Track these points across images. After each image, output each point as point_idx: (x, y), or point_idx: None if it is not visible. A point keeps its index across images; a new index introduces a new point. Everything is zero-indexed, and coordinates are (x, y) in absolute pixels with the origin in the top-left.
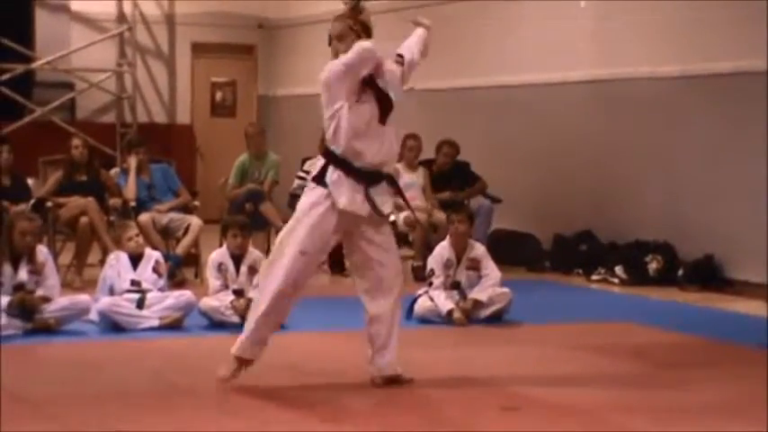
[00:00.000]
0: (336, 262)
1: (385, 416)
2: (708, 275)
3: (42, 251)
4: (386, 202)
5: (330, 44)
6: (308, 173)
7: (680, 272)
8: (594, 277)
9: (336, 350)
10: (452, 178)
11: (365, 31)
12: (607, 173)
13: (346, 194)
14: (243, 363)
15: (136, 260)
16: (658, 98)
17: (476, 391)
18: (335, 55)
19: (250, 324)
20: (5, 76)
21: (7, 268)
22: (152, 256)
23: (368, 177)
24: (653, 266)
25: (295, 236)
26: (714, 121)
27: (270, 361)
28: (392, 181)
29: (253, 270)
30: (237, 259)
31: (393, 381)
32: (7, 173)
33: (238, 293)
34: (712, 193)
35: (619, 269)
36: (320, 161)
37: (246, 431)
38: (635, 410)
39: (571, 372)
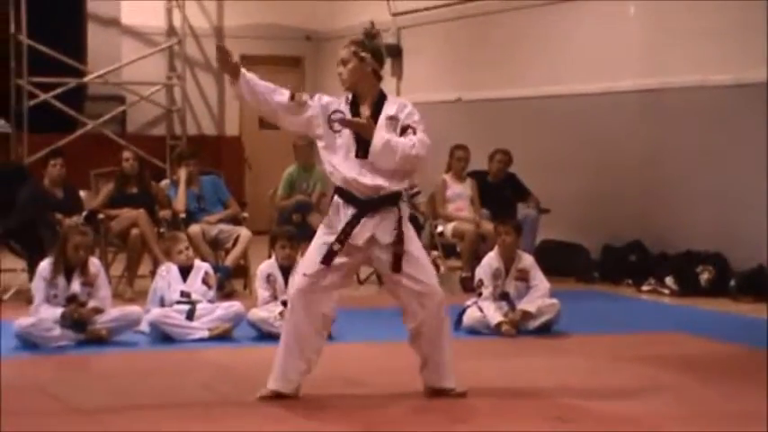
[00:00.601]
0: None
1: (434, 427)
2: (761, 286)
3: (95, 263)
4: (385, 231)
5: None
6: None
7: (732, 282)
8: (645, 288)
9: (384, 361)
10: (504, 188)
11: (375, 57)
12: (656, 182)
13: (341, 223)
14: (278, 395)
15: (186, 272)
16: (709, 107)
17: (525, 402)
18: (340, 77)
19: (278, 357)
20: (58, 90)
21: (61, 280)
22: (201, 267)
23: (364, 205)
24: (704, 277)
25: (302, 260)
26: (766, 129)
27: (317, 371)
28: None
29: None
30: (286, 270)
31: (439, 393)
32: (60, 185)
33: (287, 304)
34: (765, 202)
35: (669, 280)
36: None
37: None
38: (686, 422)
39: (621, 383)
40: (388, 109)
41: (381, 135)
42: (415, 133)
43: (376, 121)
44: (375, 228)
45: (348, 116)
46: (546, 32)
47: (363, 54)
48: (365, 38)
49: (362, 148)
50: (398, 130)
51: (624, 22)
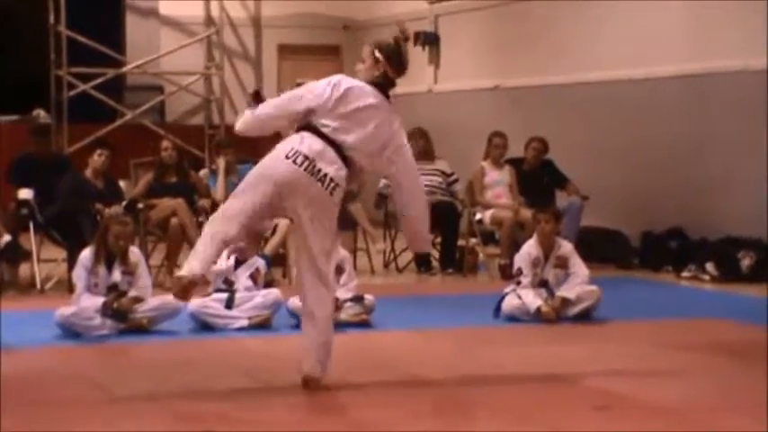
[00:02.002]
0: (423, 261)
1: (475, 415)
2: None
3: (135, 252)
4: None
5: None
6: None
7: None
8: (685, 274)
9: (423, 349)
10: (541, 176)
11: (389, 62)
12: (697, 168)
13: None
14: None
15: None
16: (751, 92)
17: (566, 389)
18: (355, 75)
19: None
20: (98, 81)
21: (102, 269)
22: (255, 263)
23: None
24: (745, 263)
25: None
26: None
27: (358, 359)
28: None
29: (340, 269)
30: None
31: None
32: (102, 175)
33: None
34: None
35: (710, 266)
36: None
37: (335, 430)
38: (728, 409)
39: (662, 370)
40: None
41: None
42: None
43: None
44: None
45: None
46: (584, 17)
47: (379, 55)
48: (392, 41)
49: None
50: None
51: (664, 6)
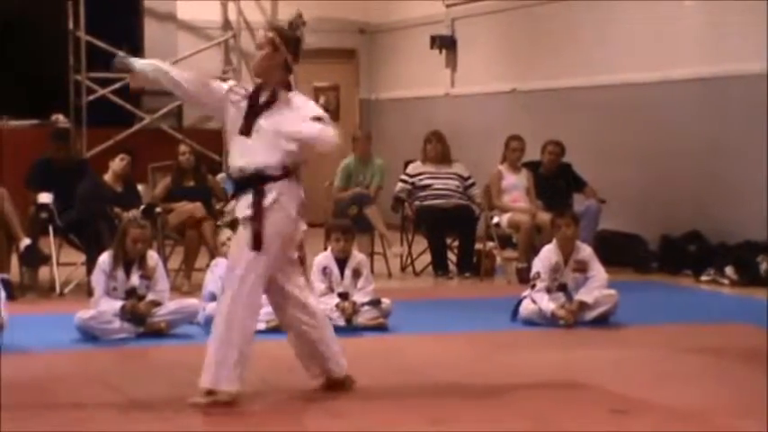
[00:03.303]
0: (440, 264)
1: (493, 418)
2: None
3: (153, 257)
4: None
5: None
6: (411, 176)
7: None
8: (704, 278)
9: (440, 353)
10: (558, 179)
11: (289, 47)
12: (715, 172)
13: None
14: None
15: None
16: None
17: (584, 394)
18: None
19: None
20: (116, 85)
21: (120, 273)
22: None
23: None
24: (764, 267)
25: None
26: None
27: (374, 363)
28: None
29: (357, 273)
30: (342, 263)
31: None
32: (121, 180)
33: (343, 296)
34: None
35: (729, 270)
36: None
37: None
38: (745, 414)
39: (680, 374)
40: (290, 95)
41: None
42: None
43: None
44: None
45: (243, 99)
46: (601, 21)
47: (279, 43)
48: (288, 27)
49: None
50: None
51: (681, 9)
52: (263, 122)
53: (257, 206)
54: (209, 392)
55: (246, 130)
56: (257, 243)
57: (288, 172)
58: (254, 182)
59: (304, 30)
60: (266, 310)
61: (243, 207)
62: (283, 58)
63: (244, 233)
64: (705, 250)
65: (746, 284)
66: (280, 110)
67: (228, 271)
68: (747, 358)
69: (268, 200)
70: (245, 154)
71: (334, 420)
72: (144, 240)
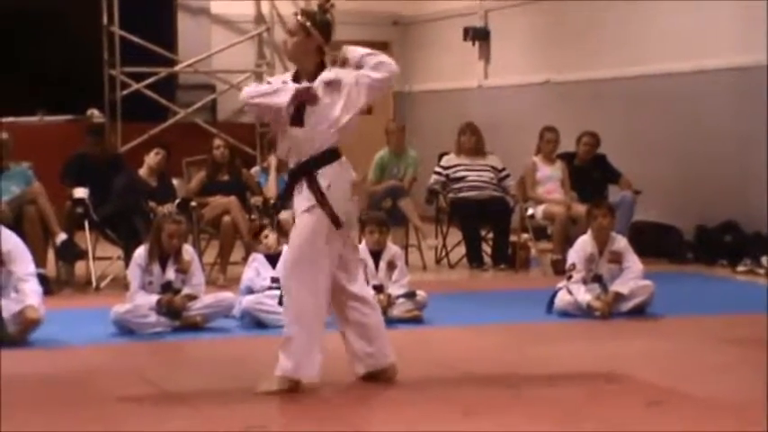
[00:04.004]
0: (475, 256)
1: (525, 411)
2: None
3: (188, 251)
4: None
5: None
6: (445, 168)
7: None
8: (740, 268)
9: (476, 345)
10: (592, 171)
11: (322, 33)
12: (751, 162)
13: None
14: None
15: (275, 258)
16: None
17: (621, 386)
18: (284, 46)
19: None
20: (150, 80)
21: (156, 267)
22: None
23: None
24: None
25: None
26: None
27: (410, 355)
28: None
29: (392, 265)
30: (376, 255)
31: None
32: (156, 174)
33: (378, 289)
34: None
35: (765, 259)
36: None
37: (387, 430)
38: None
39: (716, 365)
40: (325, 76)
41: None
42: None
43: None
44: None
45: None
46: (634, 10)
47: (311, 27)
48: (318, 11)
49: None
50: (344, 89)
51: None
52: (312, 109)
53: (317, 192)
54: (290, 380)
55: (299, 121)
56: (336, 221)
57: (339, 154)
58: (308, 170)
59: (333, 12)
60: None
61: (303, 199)
62: (316, 43)
63: (307, 222)
64: (741, 240)
65: None
66: (325, 92)
67: (295, 264)
68: None
69: (323, 185)
70: (297, 144)
71: (366, 413)
72: (179, 235)
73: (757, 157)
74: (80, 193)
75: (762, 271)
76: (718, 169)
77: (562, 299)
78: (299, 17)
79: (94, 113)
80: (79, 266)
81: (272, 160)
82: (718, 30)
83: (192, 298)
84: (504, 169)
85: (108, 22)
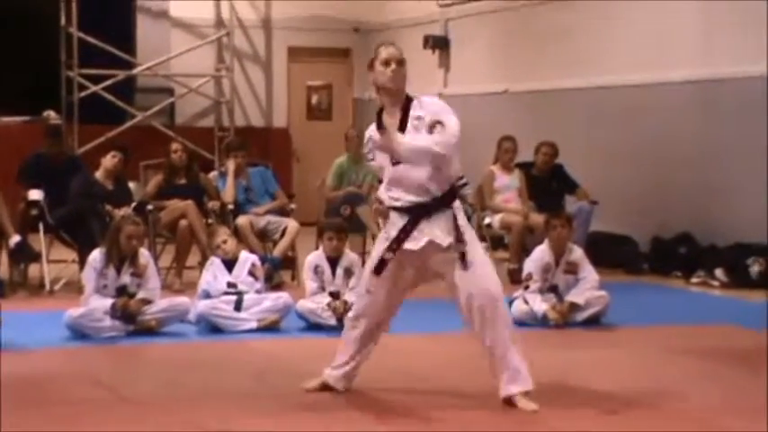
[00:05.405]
0: None
1: (482, 418)
2: None
3: (144, 254)
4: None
5: (389, 64)
6: None
7: None
8: (694, 280)
9: (432, 352)
10: (550, 180)
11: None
12: (707, 174)
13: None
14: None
15: (232, 263)
16: (762, 98)
17: (575, 395)
18: (387, 75)
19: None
20: (108, 82)
21: (111, 271)
22: (248, 259)
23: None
24: (755, 269)
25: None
26: None
27: (366, 362)
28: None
29: (349, 272)
30: (334, 262)
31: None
32: (113, 177)
33: (335, 295)
34: None
35: (719, 272)
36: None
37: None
38: (737, 415)
39: (671, 375)
40: (415, 111)
41: (402, 143)
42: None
43: (404, 124)
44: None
45: (376, 133)
46: (595, 23)
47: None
48: None
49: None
50: (426, 128)
51: (677, 10)
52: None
53: (457, 229)
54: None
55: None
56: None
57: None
58: (444, 203)
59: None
60: (258, 309)
61: (443, 232)
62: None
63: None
64: (696, 252)
65: (736, 286)
66: (413, 125)
67: (492, 300)
68: (736, 359)
69: (460, 219)
70: (407, 181)
71: (327, 420)
72: (138, 237)
73: (714, 170)
74: (35, 194)
75: (716, 283)
76: (675, 181)
77: (518, 308)
78: (399, 50)
79: (51, 114)
80: (33, 269)
81: (231, 165)
82: (679, 42)
83: (148, 302)
84: (462, 177)
85: (66, 23)
